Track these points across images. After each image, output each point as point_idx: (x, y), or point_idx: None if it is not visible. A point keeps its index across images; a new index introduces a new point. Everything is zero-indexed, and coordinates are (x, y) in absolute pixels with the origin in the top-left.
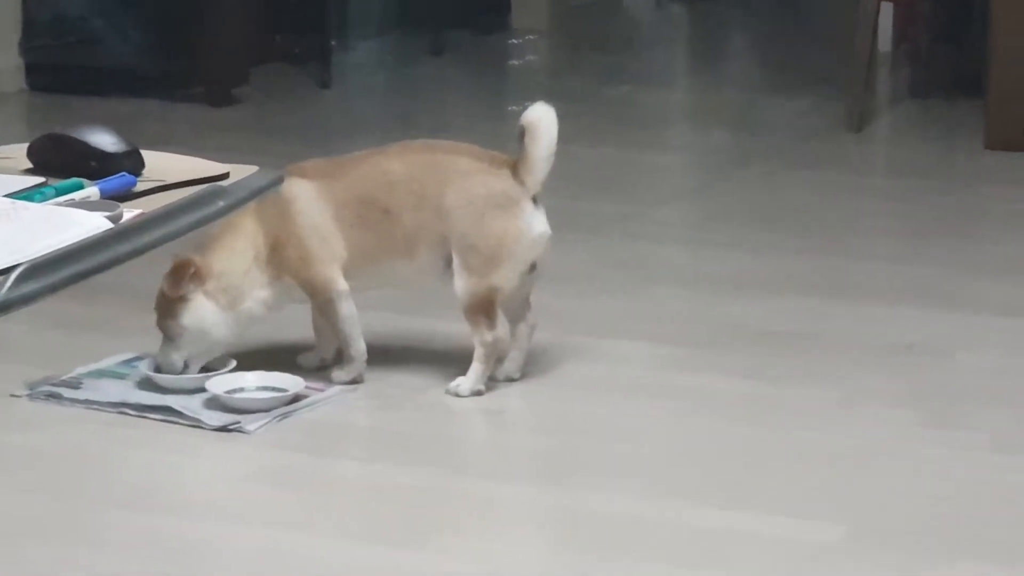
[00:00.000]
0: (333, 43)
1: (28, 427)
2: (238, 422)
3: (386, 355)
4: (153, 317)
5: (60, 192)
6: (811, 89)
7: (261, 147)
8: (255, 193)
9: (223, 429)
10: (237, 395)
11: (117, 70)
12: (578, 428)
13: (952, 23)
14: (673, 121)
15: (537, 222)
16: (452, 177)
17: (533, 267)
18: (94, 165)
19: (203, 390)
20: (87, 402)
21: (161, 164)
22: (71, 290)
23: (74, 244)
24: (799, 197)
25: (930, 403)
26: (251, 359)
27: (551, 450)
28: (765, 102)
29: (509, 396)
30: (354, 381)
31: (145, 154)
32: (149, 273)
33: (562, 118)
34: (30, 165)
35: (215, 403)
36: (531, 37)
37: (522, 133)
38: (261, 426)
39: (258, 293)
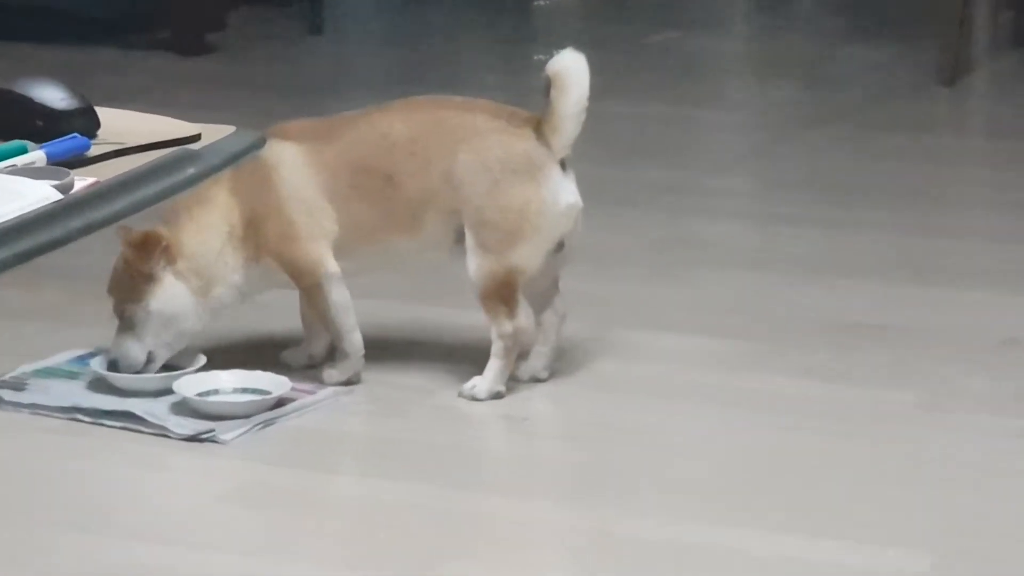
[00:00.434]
0: None
1: None
2: (211, 430)
3: (387, 350)
4: (109, 303)
5: None
6: (895, 35)
7: (239, 103)
8: (232, 158)
9: (193, 439)
10: (210, 398)
11: (66, 12)
12: (615, 438)
13: None
14: (730, 73)
15: (565, 191)
16: (464, 137)
17: (561, 245)
18: (40, 125)
19: (170, 392)
20: (32, 406)
21: (119, 124)
22: (12, 274)
23: (15, 219)
24: (880, 164)
25: None
26: (227, 356)
27: (583, 464)
28: (840, 51)
29: (534, 400)
30: (349, 382)
31: (100, 112)
32: (105, 254)
33: (596, 69)
34: None
35: (184, 408)
36: None
37: (548, 85)
38: (239, 435)
39: (232, 277)
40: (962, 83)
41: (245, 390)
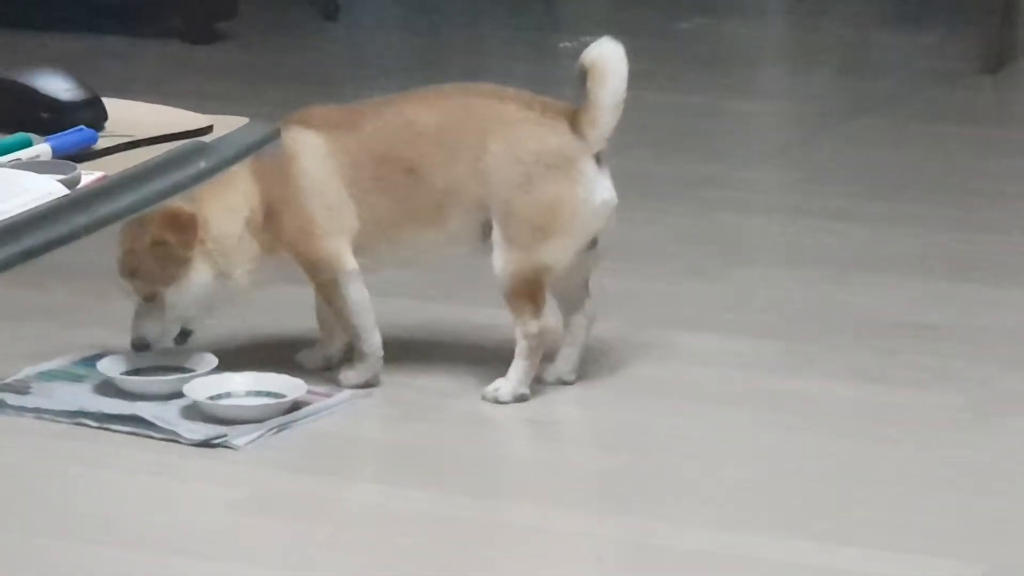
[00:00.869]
0: None
1: None
2: (224, 435)
3: (406, 351)
4: (116, 304)
5: (3, 150)
6: (936, 21)
7: (251, 93)
8: (245, 151)
9: (205, 444)
10: (223, 402)
11: (75, 0)
12: (646, 444)
13: None
14: (764, 61)
15: (600, 187)
16: (494, 128)
17: (594, 243)
18: (45, 117)
19: (180, 395)
20: (36, 410)
21: (128, 115)
22: (15, 272)
23: (19, 215)
24: (922, 155)
25: None
26: (239, 357)
27: (612, 471)
28: (878, 37)
29: (561, 403)
30: (367, 384)
31: (108, 103)
32: (113, 251)
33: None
34: None
35: (195, 412)
36: None
37: (583, 75)
38: (252, 440)
39: (248, 265)
40: (1006, 70)
41: (258, 393)
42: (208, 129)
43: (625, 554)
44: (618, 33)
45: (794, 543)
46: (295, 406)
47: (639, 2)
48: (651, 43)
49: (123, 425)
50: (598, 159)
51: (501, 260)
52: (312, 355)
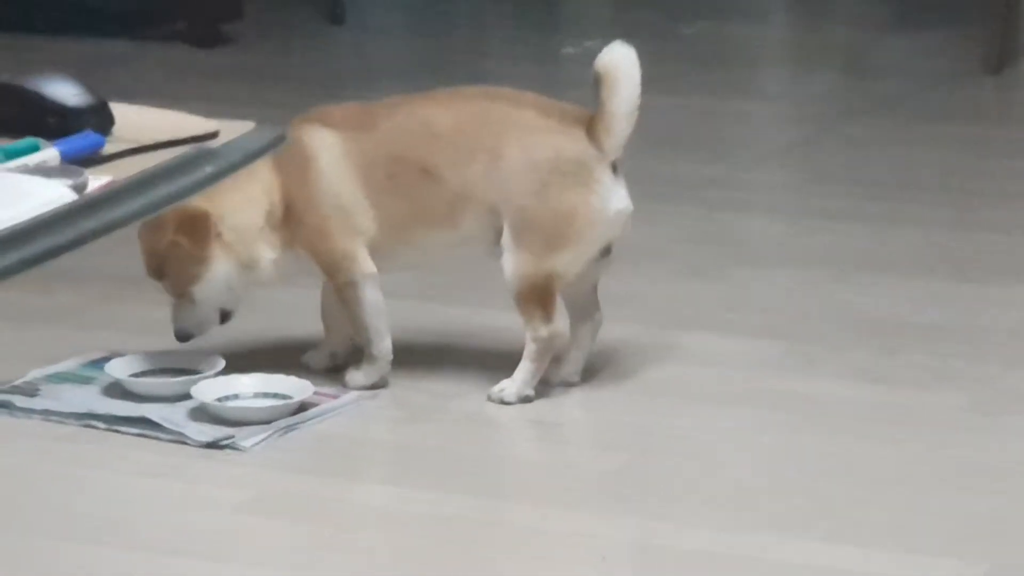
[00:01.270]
0: None
1: None
2: (231, 437)
3: (413, 353)
4: (123, 306)
5: (10, 156)
6: (938, 22)
7: (257, 98)
8: (252, 155)
9: (212, 445)
10: (230, 403)
11: (77, 4)
12: (650, 444)
13: None
14: (767, 63)
15: (616, 196)
16: (511, 132)
17: (607, 250)
18: (52, 122)
19: (188, 397)
20: (45, 412)
21: (135, 120)
22: (24, 276)
23: (27, 220)
24: (924, 156)
25: None
26: (246, 359)
27: (616, 472)
28: (881, 39)
29: (566, 404)
30: (375, 386)
31: (115, 108)
32: (120, 255)
33: None
34: None
35: (203, 413)
36: None
37: (597, 82)
38: (260, 442)
39: (268, 255)
40: (1009, 71)
41: (266, 395)
42: (214, 134)
43: (629, 554)
44: (621, 36)
45: (796, 543)
46: (302, 408)
47: (642, 4)
48: (653, 45)
49: (131, 427)
50: (614, 168)
51: (512, 265)
52: (318, 355)
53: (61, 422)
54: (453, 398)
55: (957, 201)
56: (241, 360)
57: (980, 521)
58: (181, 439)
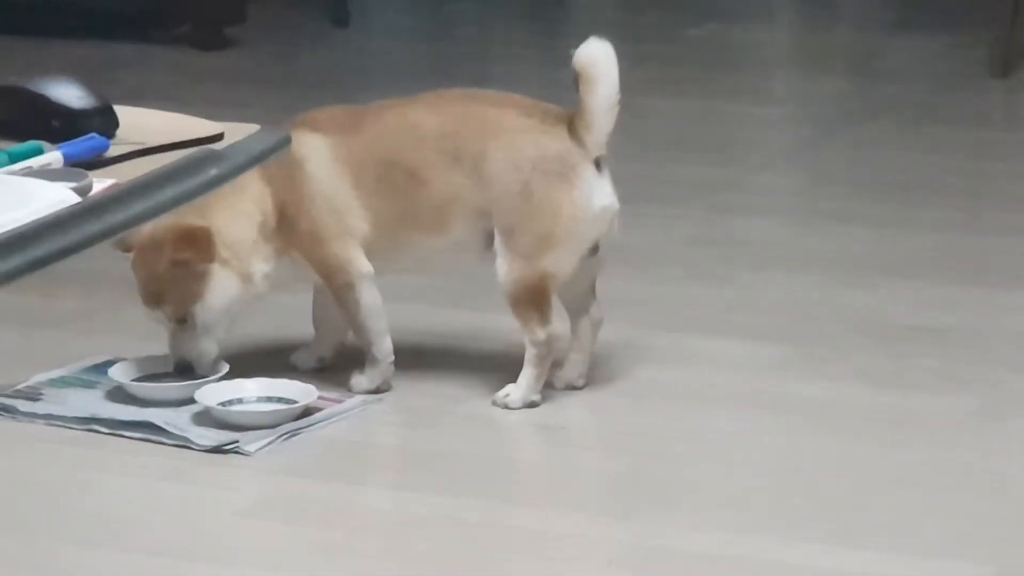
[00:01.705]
0: None
1: None
2: (235, 441)
3: (418, 357)
4: (127, 311)
5: (14, 158)
6: (945, 26)
7: (262, 100)
8: (256, 158)
9: (217, 450)
10: (234, 408)
11: (82, 7)
12: (655, 448)
13: None
14: (774, 66)
15: (600, 193)
16: (495, 134)
17: (595, 248)
18: (56, 125)
19: (192, 402)
20: (48, 417)
21: (139, 123)
22: (27, 280)
23: (31, 223)
24: (930, 159)
25: None
26: (250, 363)
27: (622, 475)
28: (888, 42)
29: (570, 408)
30: (378, 390)
31: (119, 110)
32: (123, 258)
33: (635, 62)
34: None
35: (207, 418)
36: None
37: (576, 79)
38: (264, 446)
39: (262, 267)
40: (1015, 75)
41: (270, 399)
42: (219, 136)
43: (635, 558)
44: (628, 39)
45: (804, 546)
46: (306, 412)
47: (649, 7)
48: (661, 48)
49: (135, 431)
50: (598, 164)
51: (504, 268)
52: (306, 356)
53: (64, 426)
54: (458, 402)
55: (963, 204)
56: (245, 364)
57: (986, 524)
58: (185, 443)
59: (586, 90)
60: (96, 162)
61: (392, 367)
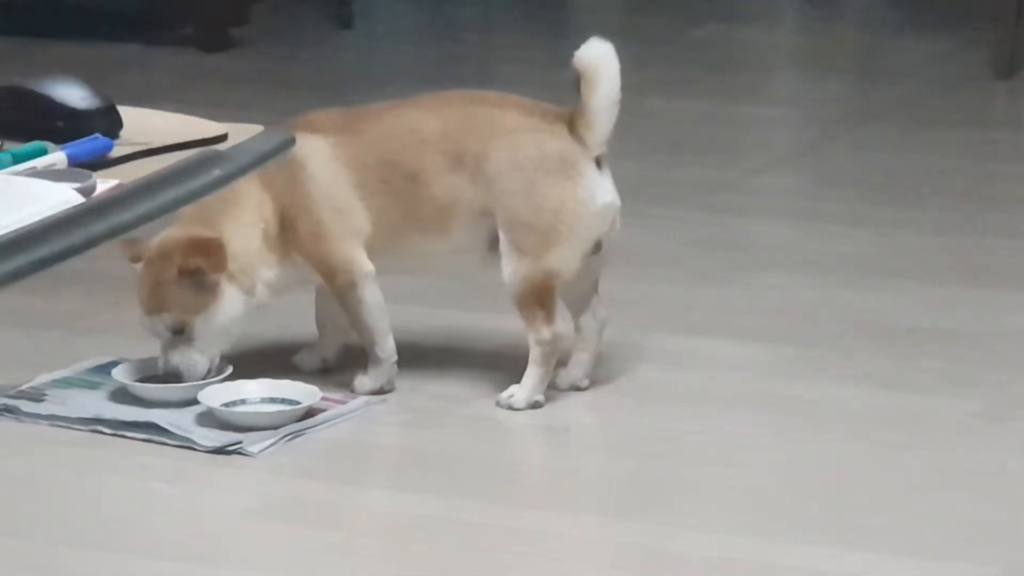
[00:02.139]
0: None
1: None
2: (239, 442)
3: (421, 358)
4: (130, 311)
5: (18, 159)
6: (949, 27)
7: (266, 102)
8: (260, 159)
9: (220, 451)
10: (237, 409)
11: (86, 8)
12: (659, 449)
13: None
14: (778, 67)
15: (602, 190)
16: (496, 135)
17: (598, 246)
18: (60, 125)
19: (195, 402)
20: (51, 418)
21: (143, 123)
22: (29, 280)
23: (35, 224)
24: (934, 161)
25: None
26: (253, 364)
27: (627, 477)
28: (891, 43)
29: (574, 409)
30: (381, 390)
31: (123, 111)
32: (126, 259)
33: (639, 63)
34: None
35: (210, 419)
36: None
37: (577, 79)
38: (267, 447)
39: (266, 275)
40: (1019, 76)
41: (273, 400)
42: (223, 137)
43: (638, 560)
44: (631, 40)
45: (807, 548)
46: (309, 413)
47: (653, 9)
48: (665, 49)
49: (138, 432)
50: (599, 162)
51: (509, 268)
52: (309, 357)
53: (68, 427)
54: (461, 403)
55: (968, 206)
56: (249, 365)
57: (990, 526)
58: (188, 444)
59: (587, 90)
60: (100, 163)
61: (395, 367)
